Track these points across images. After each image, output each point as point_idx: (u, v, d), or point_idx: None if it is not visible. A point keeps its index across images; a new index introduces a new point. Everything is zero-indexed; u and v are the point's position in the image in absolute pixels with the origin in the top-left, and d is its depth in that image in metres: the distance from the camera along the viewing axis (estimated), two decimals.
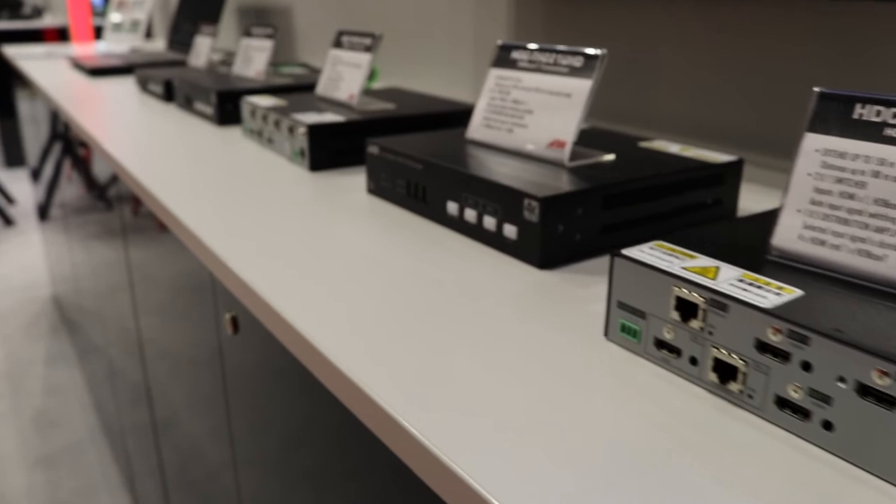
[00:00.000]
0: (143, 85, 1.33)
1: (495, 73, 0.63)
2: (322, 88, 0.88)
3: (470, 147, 0.62)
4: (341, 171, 0.75)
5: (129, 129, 1.01)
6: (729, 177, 0.60)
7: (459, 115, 0.83)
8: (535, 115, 0.59)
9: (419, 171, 0.59)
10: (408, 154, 0.60)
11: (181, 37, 1.90)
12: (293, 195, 0.67)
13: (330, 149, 0.75)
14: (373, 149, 0.64)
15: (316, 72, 1.27)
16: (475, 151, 0.61)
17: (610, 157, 0.59)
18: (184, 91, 1.11)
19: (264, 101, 0.87)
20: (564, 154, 0.57)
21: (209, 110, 1.02)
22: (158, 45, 2.45)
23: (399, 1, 1.31)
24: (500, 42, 0.64)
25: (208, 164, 0.79)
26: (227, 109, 1.00)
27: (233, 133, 0.96)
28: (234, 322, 0.61)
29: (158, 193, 0.69)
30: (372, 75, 1.24)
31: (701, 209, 0.59)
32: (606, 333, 0.40)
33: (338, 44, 0.88)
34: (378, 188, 0.65)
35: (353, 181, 0.72)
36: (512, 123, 0.61)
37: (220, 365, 0.71)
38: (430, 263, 0.51)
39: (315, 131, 0.74)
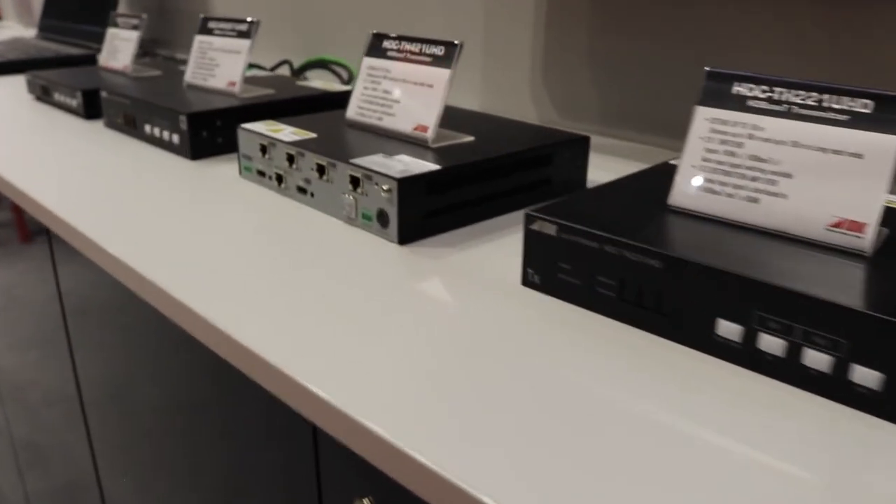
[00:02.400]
0: (44, 93, 1.00)
1: (707, 115, 0.45)
2: (357, 112, 0.65)
3: (692, 223, 0.44)
4: (437, 241, 0.54)
5: (57, 165, 0.72)
6: None
7: (568, 148, 0.62)
8: (798, 180, 0.42)
9: (655, 271, 0.40)
10: (629, 243, 0.40)
11: (55, 22, 1.53)
12: (401, 289, 0.45)
13: (421, 210, 0.54)
14: (545, 227, 0.44)
15: (277, 75, 1.00)
16: (713, 231, 0.42)
17: (885, 231, 0.44)
18: (122, 108, 0.82)
19: (280, 132, 0.63)
20: (865, 240, 0.40)
21: (174, 138, 0.75)
22: (16, 30, 2.01)
23: None
24: (708, 69, 0.46)
25: (221, 224, 0.55)
26: (202, 137, 0.74)
27: (218, 171, 0.70)
28: None
29: (178, 292, 0.45)
30: (351, 78, 1.01)
31: None
32: None
33: (377, 51, 0.65)
34: (549, 282, 0.45)
35: (473, 259, 0.51)
36: (755, 190, 0.43)
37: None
38: (742, 437, 0.32)
39: (407, 187, 0.52)
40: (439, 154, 0.58)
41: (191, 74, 0.86)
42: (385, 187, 0.52)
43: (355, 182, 0.55)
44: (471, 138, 0.62)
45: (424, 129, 0.60)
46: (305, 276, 0.48)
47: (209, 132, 0.74)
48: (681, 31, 0.77)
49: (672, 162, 0.57)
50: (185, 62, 1.15)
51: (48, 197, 0.64)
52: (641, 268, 0.40)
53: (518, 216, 0.59)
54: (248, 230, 0.56)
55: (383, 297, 0.45)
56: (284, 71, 1.24)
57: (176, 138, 0.75)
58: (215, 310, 0.43)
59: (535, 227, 0.45)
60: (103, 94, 0.86)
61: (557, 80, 0.90)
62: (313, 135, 0.63)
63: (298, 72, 1.14)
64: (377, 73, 0.64)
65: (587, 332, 0.41)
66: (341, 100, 0.85)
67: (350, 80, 1.00)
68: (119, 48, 1.01)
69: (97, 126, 0.90)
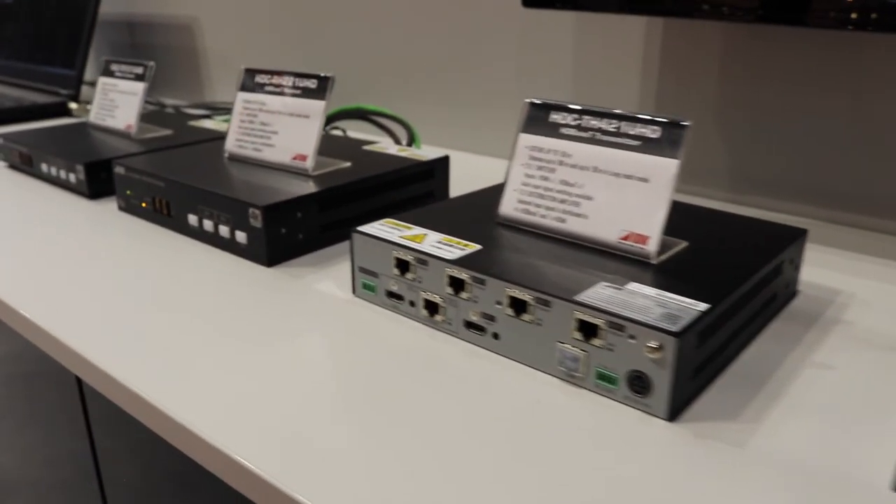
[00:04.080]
0: (22, 160, 0.79)
1: None
2: (521, 208, 0.49)
3: None
4: (710, 408, 0.37)
5: (77, 276, 0.53)
6: None
7: (795, 248, 0.46)
8: None
9: None
10: None
11: (7, 63, 1.29)
12: None
13: (691, 368, 0.38)
14: None
15: (325, 134, 0.81)
16: None
17: None
18: (149, 190, 0.63)
19: (421, 239, 0.46)
20: None
21: (240, 236, 0.57)
22: None
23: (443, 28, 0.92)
24: None
25: (368, 381, 0.37)
26: (280, 235, 0.56)
27: (312, 284, 0.52)
28: None
29: None
30: (412, 140, 0.84)
31: None
32: None
33: (542, 126, 0.48)
34: None
35: (783, 438, 0.35)
36: None
37: None
38: None
39: (686, 343, 0.36)
40: (670, 274, 0.42)
41: (234, 143, 0.68)
42: (652, 344, 0.36)
43: (587, 329, 0.39)
44: (684, 243, 0.47)
45: (642, 239, 0.44)
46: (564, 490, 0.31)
47: (289, 228, 0.57)
48: (843, 78, 0.64)
49: None
50: (187, 115, 0.95)
51: (79, 337, 0.45)
52: None
53: (763, 349, 0.45)
54: (410, 392, 0.38)
55: None
56: None
57: (242, 237, 0.57)
58: None
59: None
60: (118, 169, 0.67)
61: None
62: (475, 245, 0.46)
63: (326, 123, 0.96)
64: (550, 157, 0.48)
65: None
66: (434, 172, 0.67)
67: (412, 140, 0.83)
68: (118, 103, 0.81)
69: (108, 209, 0.70)
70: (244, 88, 0.68)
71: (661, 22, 0.74)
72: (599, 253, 0.45)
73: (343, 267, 0.56)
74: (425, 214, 0.52)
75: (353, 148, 0.72)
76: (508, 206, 0.50)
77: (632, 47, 0.76)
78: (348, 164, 0.65)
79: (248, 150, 0.66)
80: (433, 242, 0.46)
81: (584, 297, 0.39)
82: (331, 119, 0.95)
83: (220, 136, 0.81)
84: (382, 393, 0.39)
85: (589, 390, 0.40)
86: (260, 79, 0.67)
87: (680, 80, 0.74)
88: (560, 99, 0.82)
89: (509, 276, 0.42)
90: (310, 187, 0.59)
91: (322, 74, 0.63)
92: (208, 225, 0.59)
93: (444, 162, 0.68)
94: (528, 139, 0.50)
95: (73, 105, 1.06)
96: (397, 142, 0.86)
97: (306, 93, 0.63)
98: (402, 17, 0.96)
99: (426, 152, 0.70)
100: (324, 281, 0.53)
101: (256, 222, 0.55)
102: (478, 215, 0.52)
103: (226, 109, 1.00)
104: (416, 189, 0.66)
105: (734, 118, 0.72)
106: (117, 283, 0.53)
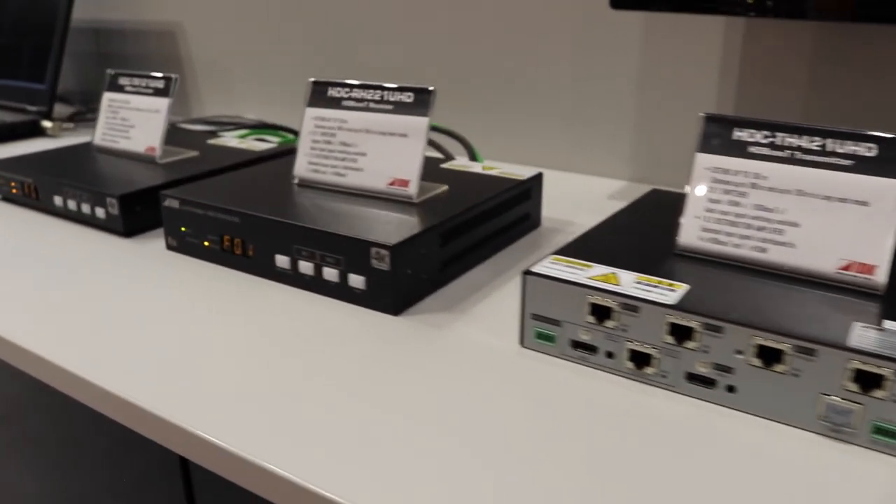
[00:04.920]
0: (25, 195, 0.67)
1: None
2: (709, 237, 0.43)
3: None
4: None
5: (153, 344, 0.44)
6: None
7: None
8: None
9: None
10: None
11: None
12: None
13: None
14: None
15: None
16: None
17: None
18: (216, 226, 0.54)
19: (612, 279, 0.40)
20: None
21: (354, 280, 0.49)
22: None
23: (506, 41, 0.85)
24: None
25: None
26: (406, 277, 0.49)
27: (456, 336, 0.45)
28: None
29: None
30: (474, 156, 0.78)
31: None
32: None
33: (727, 146, 0.43)
34: None
35: None
36: None
37: None
38: None
39: None
40: None
41: (307, 167, 0.59)
42: None
43: (866, 379, 0.34)
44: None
45: (868, 269, 0.40)
46: None
47: (415, 268, 0.49)
48: None
49: None
50: (191, 132, 0.85)
51: (186, 413, 0.37)
52: None
53: None
54: (646, 460, 0.32)
55: None
56: None
57: (359, 281, 0.49)
58: None
59: None
60: (169, 202, 0.57)
61: None
62: (681, 284, 0.41)
63: None
64: (739, 179, 0.43)
65: None
66: (530, 193, 0.61)
67: (473, 157, 0.76)
68: (133, 122, 0.70)
69: (154, 249, 0.59)
70: (314, 104, 0.60)
71: (742, 21, 0.71)
72: (812, 285, 0.41)
73: (484, 309, 0.49)
74: (584, 248, 0.47)
75: (427, 166, 0.65)
76: (691, 235, 0.45)
77: (708, 48, 0.73)
78: (445, 187, 0.59)
79: (328, 175, 0.58)
80: (632, 284, 0.41)
81: (858, 343, 0.35)
82: None
83: (262, 157, 0.72)
84: (614, 463, 0.33)
85: (861, 446, 0.35)
86: (334, 92, 0.59)
87: (766, 85, 0.71)
88: (626, 104, 0.78)
89: (756, 321, 0.37)
90: (426, 219, 0.51)
91: (421, 87, 0.55)
92: (306, 267, 0.51)
93: (538, 181, 0.63)
94: (708, 159, 0.45)
95: (47, 123, 0.93)
96: (448, 157, 0.80)
97: (400, 108, 0.56)
98: (416, 11, 0.89)
99: (516, 170, 0.64)
100: (473, 329, 0.47)
101: (382, 264, 0.48)
102: (641, 245, 0.47)
103: (233, 124, 0.90)
104: (517, 212, 0.60)
105: (826, 121, 0.70)
106: (210, 343, 0.44)
